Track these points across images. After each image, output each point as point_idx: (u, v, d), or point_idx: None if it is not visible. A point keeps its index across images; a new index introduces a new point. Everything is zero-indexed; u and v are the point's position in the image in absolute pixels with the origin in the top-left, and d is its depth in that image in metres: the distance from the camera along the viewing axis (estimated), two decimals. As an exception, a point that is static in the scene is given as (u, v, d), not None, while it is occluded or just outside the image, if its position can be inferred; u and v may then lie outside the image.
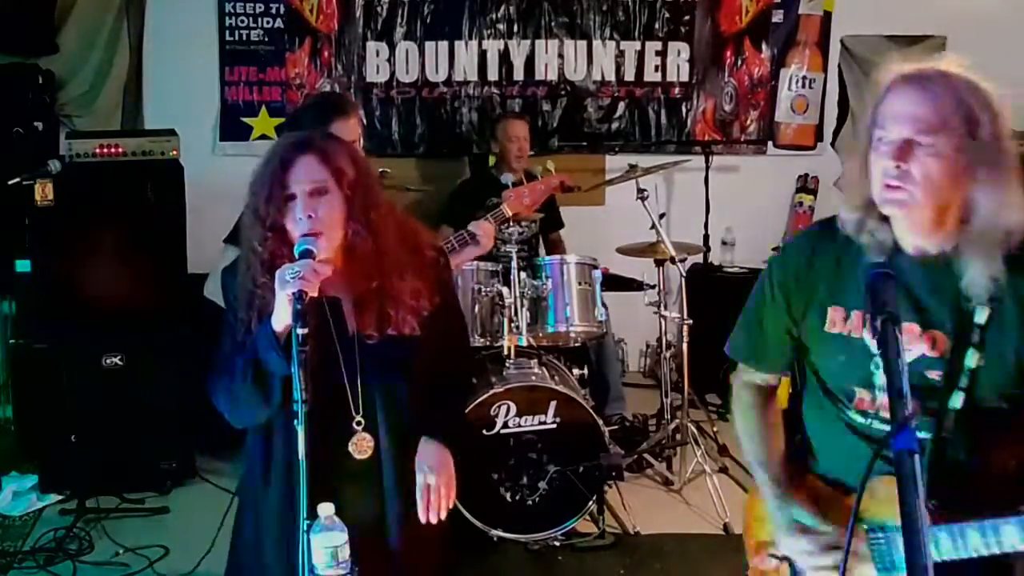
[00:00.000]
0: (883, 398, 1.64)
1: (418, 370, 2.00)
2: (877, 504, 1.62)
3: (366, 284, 1.91)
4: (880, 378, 1.62)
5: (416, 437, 2.04)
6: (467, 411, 3.57)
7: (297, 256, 1.81)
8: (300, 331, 1.72)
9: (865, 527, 1.68)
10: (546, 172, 3.46)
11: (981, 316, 1.59)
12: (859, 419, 1.72)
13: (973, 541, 1.52)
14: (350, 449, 1.96)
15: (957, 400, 1.61)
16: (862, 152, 1.63)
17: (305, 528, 1.71)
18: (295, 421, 1.71)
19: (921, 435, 1.59)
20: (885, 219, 1.64)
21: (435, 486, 1.98)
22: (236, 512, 2.17)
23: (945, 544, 1.54)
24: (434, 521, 1.98)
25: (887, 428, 1.54)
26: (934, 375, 1.64)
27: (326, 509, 1.74)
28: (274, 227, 1.87)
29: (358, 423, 1.93)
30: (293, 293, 1.75)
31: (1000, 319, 1.60)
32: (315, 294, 1.79)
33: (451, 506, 2.00)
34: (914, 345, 1.63)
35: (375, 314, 1.91)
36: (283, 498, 1.95)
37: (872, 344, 1.59)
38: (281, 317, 1.80)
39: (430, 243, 2.10)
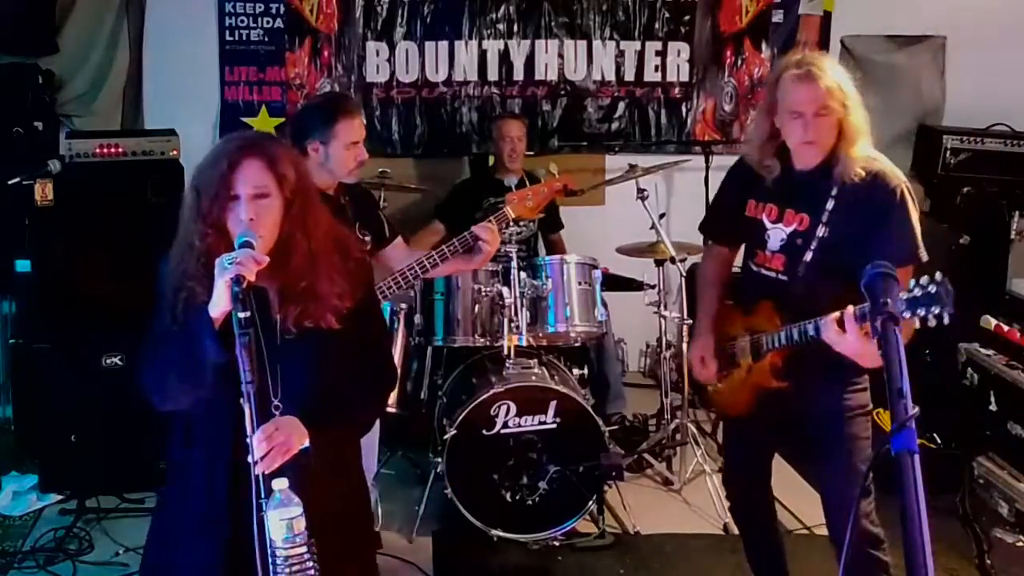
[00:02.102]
0: (768, 254, 2.68)
1: (335, 363, 2.06)
2: (758, 319, 2.69)
3: (296, 282, 2.00)
4: (769, 244, 2.68)
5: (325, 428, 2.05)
6: (467, 411, 3.59)
7: (237, 247, 1.90)
8: (241, 314, 1.81)
9: (749, 332, 2.73)
10: (549, 175, 3.46)
11: (829, 204, 2.55)
12: (754, 268, 2.74)
13: (796, 334, 2.54)
14: None
15: (808, 256, 2.59)
16: (765, 116, 2.64)
17: (265, 505, 1.79)
18: (242, 400, 1.81)
19: (784, 279, 2.64)
20: (776, 153, 2.65)
21: (279, 435, 1.89)
22: (160, 493, 2.25)
23: (782, 338, 2.57)
24: (258, 457, 1.85)
25: (769, 274, 2.67)
26: (799, 242, 2.61)
27: (281, 483, 1.81)
28: (214, 224, 1.95)
29: (276, 407, 1.97)
30: (232, 278, 1.83)
31: (841, 208, 2.54)
32: (253, 279, 1.86)
33: (271, 464, 1.86)
34: (791, 223, 2.63)
35: (297, 310, 2.00)
36: (207, 475, 2.02)
37: (766, 220, 2.68)
38: (218, 303, 1.87)
39: (357, 246, 2.24)
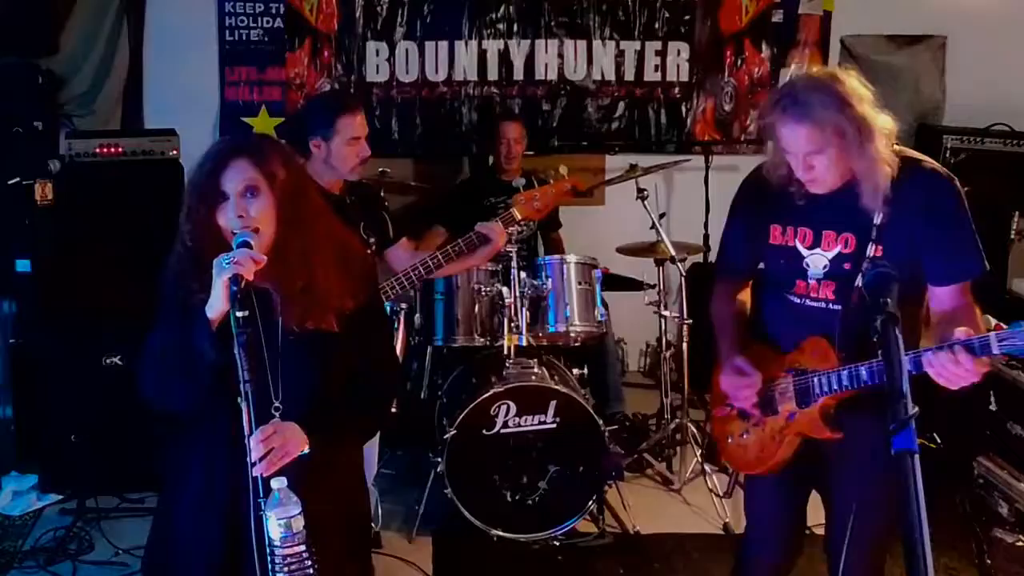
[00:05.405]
0: (813, 283, 2.33)
1: (337, 366, 2.06)
2: (803, 357, 2.32)
3: (294, 281, 1.99)
4: (811, 272, 2.32)
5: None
6: (467, 411, 3.59)
7: (235, 247, 1.91)
8: (239, 314, 1.82)
9: (793, 373, 2.34)
10: (558, 176, 3.47)
11: (877, 219, 2.21)
12: (796, 300, 2.36)
13: (865, 373, 2.18)
14: None
15: (860, 280, 2.19)
16: (775, 144, 2.27)
17: (263, 504, 1.81)
18: (240, 399, 1.81)
19: (836, 308, 2.29)
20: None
21: (277, 439, 1.89)
22: (159, 498, 2.27)
23: (844, 380, 2.21)
24: (256, 458, 1.85)
25: (816, 304, 2.32)
26: (847, 266, 2.27)
27: (280, 483, 1.81)
28: (206, 225, 1.96)
29: (276, 408, 1.96)
30: (230, 277, 1.83)
31: (892, 221, 2.21)
32: (251, 278, 1.87)
33: (270, 468, 1.85)
34: (833, 246, 2.29)
35: (299, 309, 2.00)
36: (206, 475, 2.04)
37: (802, 248, 2.33)
38: (216, 304, 1.88)
39: (358, 245, 2.24)
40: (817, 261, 2.31)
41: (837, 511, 2.40)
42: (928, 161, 2.27)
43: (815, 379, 2.27)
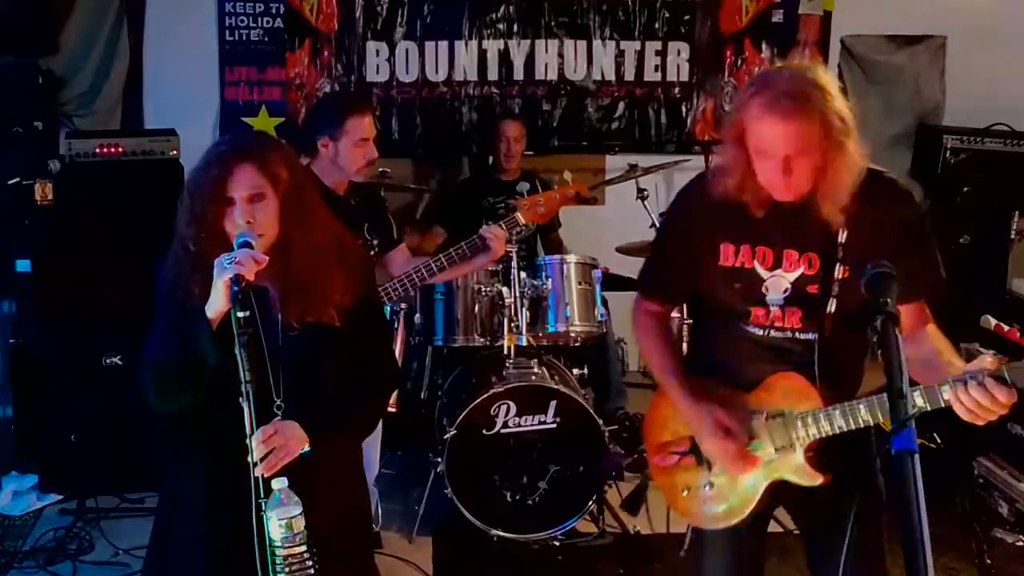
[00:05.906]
0: (776, 311, 2.09)
1: (337, 361, 2.07)
2: (774, 397, 2.10)
3: (296, 280, 2.00)
4: (770, 297, 2.09)
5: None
6: (467, 411, 3.59)
7: (236, 247, 1.91)
8: (240, 314, 1.83)
9: (765, 415, 2.11)
10: (563, 182, 3.49)
11: (842, 236, 2.02)
12: (757, 331, 2.13)
13: (838, 419, 2.00)
14: None
15: (831, 306, 2.05)
16: (738, 144, 2.00)
17: (264, 505, 1.83)
18: (240, 399, 1.82)
19: (808, 337, 2.08)
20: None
21: (278, 439, 1.90)
22: (159, 498, 2.28)
23: (838, 420, 2.00)
24: (258, 459, 1.87)
25: (783, 335, 2.09)
26: (812, 289, 2.06)
27: (280, 483, 1.83)
28: (210, 228, 1.96)
29: (278, 407, 1.97)
30: (231, 277, 1.84)
31: (856, 239, 2.01)
32: (252, 279, 1.87)
33: (272, 468, 1.88)
34: (795, 267, 2.07)
35: (300, 307, 2.00)
36: (206, 476, 2.05)
37: (762, 270, 2.08)
38: (217, 303, 1.88)
39: (356, 244, 2.27)
40: (778, 284, 2.08)
41: (824, 528, 2.20)
42: (889, 174, 2.09)
43: (798, 421, 2.06)
